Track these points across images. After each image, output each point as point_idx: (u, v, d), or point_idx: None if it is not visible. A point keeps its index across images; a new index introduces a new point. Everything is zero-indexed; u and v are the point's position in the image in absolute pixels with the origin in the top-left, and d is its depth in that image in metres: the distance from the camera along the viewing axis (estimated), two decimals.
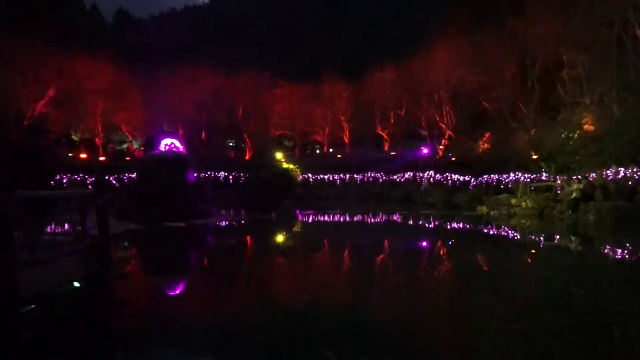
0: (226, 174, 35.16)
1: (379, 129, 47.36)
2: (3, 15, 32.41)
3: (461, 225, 18.76)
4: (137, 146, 45.01)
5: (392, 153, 45.21)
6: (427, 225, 19.06)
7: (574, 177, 21.14)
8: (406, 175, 34.10)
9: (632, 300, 6.52)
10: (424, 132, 44.56)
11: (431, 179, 31.89)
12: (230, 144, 50.83)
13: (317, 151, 53.21)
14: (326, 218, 22.11)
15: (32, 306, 5.44)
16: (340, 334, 5.45)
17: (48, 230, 7.78)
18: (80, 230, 7.16)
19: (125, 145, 45.71)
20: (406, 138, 45.91)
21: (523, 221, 18.92)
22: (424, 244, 14.42)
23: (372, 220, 21.57)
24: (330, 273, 9.73)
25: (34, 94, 34.94)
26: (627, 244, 12.94)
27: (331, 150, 51.19)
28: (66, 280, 6.12)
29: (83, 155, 39.60)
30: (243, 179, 34.53)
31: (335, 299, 7.35)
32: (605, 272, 9.12)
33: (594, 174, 20.90)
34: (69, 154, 38.97)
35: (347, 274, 9.76)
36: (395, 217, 22.20)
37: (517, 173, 25.77)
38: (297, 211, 23.56)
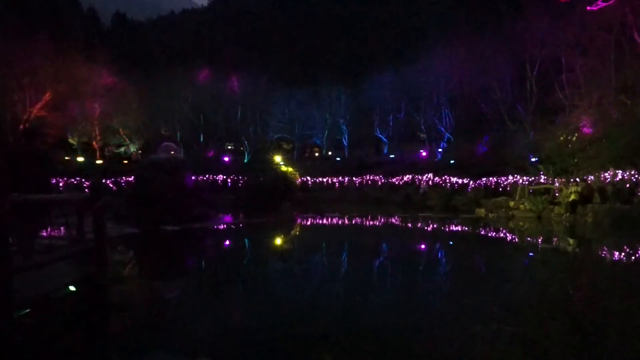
0: (224, 177, 35.09)
1: (378, 131, 47.41)
2: None
3: (459, 228, 18.73)
4: (135, 149, 44.95)
5: (391, 156, 45.27)
6: (425, 228, 19.02)
7: (572, 180, 21.16)
8: (405, 178, 34.07)
9: (628, 302, 6.50)
10: (423, 135, 44.65)
11: (430, 181, 31.88)
12: (229, 147, 50.83)
13: (316, 154, 53.23)
14: (325, 221, 22.06)
15: (27, 310, 5.40)
16: (338, 337, 5.41)
17: (44, 234, 7.71)
18: (76, 233, 7.11)
19: (122, 149, 45.65)
20: (405, 141, 45.97)
21: (521, 224, 18.90)
22: (422, 246, 14.39)
23: (371, 223, 21.53)
24: (329, 277, 9.68)
25: (30, 98, 34.89)
26: (624, 247, 12.93)
27: (330, 153, 51.22)
28: (62, 284, 6.07)
29: (80, 159, 39.54)
30: (241, 182, 34.44)
31: (333, 303, 7.31)
32: (601, 275, 9.15)
33: (592, 177, 20.94)
34: (66, 157, 38.90)
35: (345, 278, 9.72)
36: (393, 220, 22.17)
37: (515, 176, 25.79)
38: (296, 214, 23.51)
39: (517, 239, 15.85)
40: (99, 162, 40.14)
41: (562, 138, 27.35)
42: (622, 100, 26.93)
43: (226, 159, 43.36)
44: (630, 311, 6.36)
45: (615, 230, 16.26)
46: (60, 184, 29.29)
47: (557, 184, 22.19)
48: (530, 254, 12.71)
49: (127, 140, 43.93)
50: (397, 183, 34.31)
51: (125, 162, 41.67)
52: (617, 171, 20.01)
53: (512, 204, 22.13)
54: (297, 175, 35.86)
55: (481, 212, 22.75)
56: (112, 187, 30.66)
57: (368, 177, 36.22)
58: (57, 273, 6.12)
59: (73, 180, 30.85)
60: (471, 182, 29.06)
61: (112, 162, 41.22)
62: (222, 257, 13.06)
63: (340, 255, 12.65)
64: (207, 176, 33.80)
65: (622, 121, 24.97)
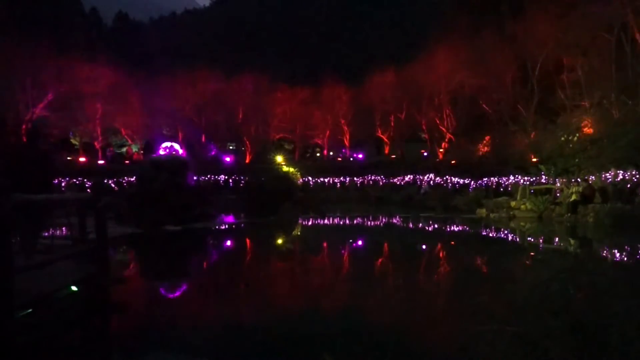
0: (226, 177, 35.11)
1: (379, 132, 47.38)
2: (1, 19, 32.39)
3: (460, 228, 18.74)
4: (137, 150, 44.97)
5: (392, 156, 45.24)
6: (427, 228, 19.04)
7: (573, 180, 21.14)
8: (406, 178, 34.06)
9: (629, 302, 6.49)
10: (424, 135, 44.62)
11: (431, 182, 31.86)
12: (231, 147, 50.84)
13: (318, 154, 53.23)
14: (326, 221, 22.07)
15: (29, 310, 5.41)
16: (339, 337, 5.42)
17: (45, 234, 7.74)
18: (77, 234, 7.12)
19: (124, 149, 45.65)
20: (406, 141, 45.94)
21: (522, 224, 18.90)
22: (423, 247, 14.40)
23: (372, 223, 21.55)
24: (331, 276, 9.70)
25: (32, 98, 34.91)
26: (625, 247, 12.93)
27: (331, 153, 51.21)
28: (63, 284, 6.09)
29: (82, 159, 39.58)
30: (243, 182, 34.46)
31: (335, 302, 7.32)
32: (602, 275, 9.15)
33: (593, 177, 20.93)
34: (68, 158, 38.93)
35: (347, 277, 9.74)
36: (394, 220, 22.18)
37: (516, 176, 25.76)
38: (298, 214, 23.51)
39: (518, 239, 15.86)
40: (100, 162, 40.16)
41: (563, 138, 27.33)
42: (623, 100, 26.92)
43: (228, 159, 43.35)
44: (631, 311, 6.37)
45: (617, 230, 16.25)
46: (62, 184, 29.33)
47: (558, 184, 22.17)
48: (532, 254, 12.71)
49: (129, 140, 43.94)
50: (398, 183, 34.30)
51: (127, 162, 41.66)
52: (618, 171, 19.99)
53: (513, 204, 22.11)
54: (299, 176, 35.83)
55: (482, 212, 22.74)
56: (113, 187, 30.68)
57: (369, 177, 36.20)
58: (59, 273, 6.14)
59: (75, 180, 30.87)
60: (472, 182, 29.05)
61: (114, 162, 41.20)
62: (223, 257, 13.09)
63: (342, 256, 12.67)
64: (208, 176, 33.83)
65: (623, 121, 24.96)
